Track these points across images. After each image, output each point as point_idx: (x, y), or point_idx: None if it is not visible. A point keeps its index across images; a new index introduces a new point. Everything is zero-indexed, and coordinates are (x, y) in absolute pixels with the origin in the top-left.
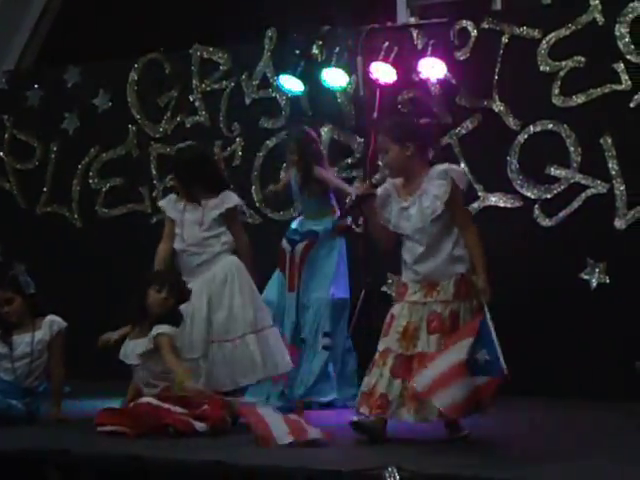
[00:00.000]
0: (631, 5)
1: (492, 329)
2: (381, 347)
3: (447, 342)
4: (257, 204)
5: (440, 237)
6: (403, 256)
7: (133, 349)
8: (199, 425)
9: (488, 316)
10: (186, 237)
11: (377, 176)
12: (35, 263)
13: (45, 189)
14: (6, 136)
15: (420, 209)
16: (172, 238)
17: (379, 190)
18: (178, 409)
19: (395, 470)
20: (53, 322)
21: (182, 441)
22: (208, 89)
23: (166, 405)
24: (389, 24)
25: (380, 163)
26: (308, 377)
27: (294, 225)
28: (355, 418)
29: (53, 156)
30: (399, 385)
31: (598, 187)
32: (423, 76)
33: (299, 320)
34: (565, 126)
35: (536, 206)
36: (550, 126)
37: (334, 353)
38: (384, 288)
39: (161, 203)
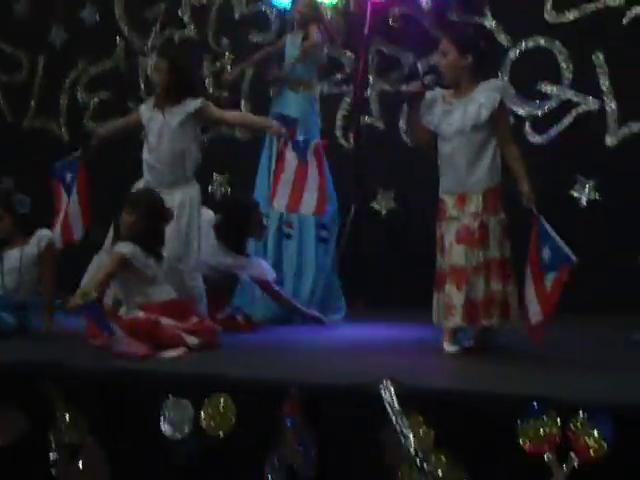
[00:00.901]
0: None
1: (547, 225)
2: (448, 263)
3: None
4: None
5: (477, 147)
6: (440, 167)
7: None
8: (191, 339)
9: (542, 218)
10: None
11: (428, 77)
12: (22, 177)
13: (32, 103)
14: None
15: (464, 113)
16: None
17: (427, 93)
18: (167, 320)
19: (389, 383)
20: (42, 236)
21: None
22: (197, 4)
23: (153, 316)
24: None
25: (432, 63)
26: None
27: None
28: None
29: (40, 69)
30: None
31: (589, 104)
32: None
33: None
34: (557, 42)
35: (527, 123)
36: (542, 42)
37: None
38: (373, 204)
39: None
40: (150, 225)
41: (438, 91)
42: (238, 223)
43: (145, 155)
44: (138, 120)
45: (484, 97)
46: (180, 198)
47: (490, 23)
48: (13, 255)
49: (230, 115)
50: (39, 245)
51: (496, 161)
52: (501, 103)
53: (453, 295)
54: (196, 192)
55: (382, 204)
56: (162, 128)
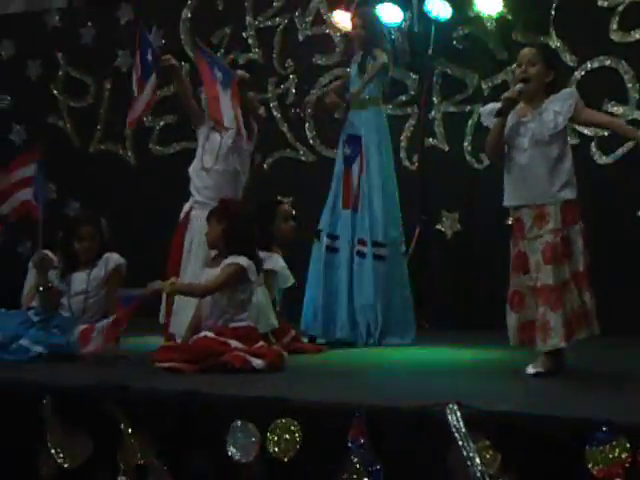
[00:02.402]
0: None
1: None
2: (529, 282)
3: None
4: (311, 141)
5: (555, 156)
6: (509, 179)
7: (206, 277)
8: (257, 362)
9: None
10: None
11: (519, 86)
12: (88, 201)
13: (98, 127)
14: (60, 74)
15: (540, 123)
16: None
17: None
18: (235, 343)
19: (456, 406)
20: (109, 259)
21: (239, 377)
22: (261, 26)
23: (222, 338)
24: None
25: (519, 72)
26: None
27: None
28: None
29: (106, 94)
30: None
31: None
32: (478, 11)
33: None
34: (623, 62)
35: (593, 143)
36: (608, 62)
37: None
38: (439, 226)
39: None
40: (237, 238)
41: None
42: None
43: (197, 174)
44: (200, 116)
45: (558, 106)
46: None
47: (555, 43)
48: (81, 277)
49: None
50: (107, 268)
51: (572, 171)
52: (577, 108)
53: (549, 317)
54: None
55: (447, 226)
56: (219, 148)
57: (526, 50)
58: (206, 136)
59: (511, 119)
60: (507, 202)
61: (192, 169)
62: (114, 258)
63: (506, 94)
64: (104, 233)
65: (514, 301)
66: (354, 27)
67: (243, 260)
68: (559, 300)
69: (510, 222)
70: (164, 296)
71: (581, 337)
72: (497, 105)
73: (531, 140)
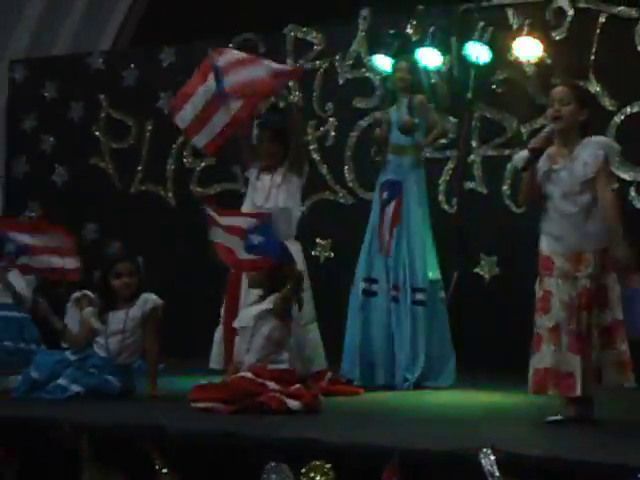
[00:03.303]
0: None
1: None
2: (549, 324)
3: None
4: (350, 184)
5: (586, 206)
6: (544, 226)
7: (249, 313)
8: (293, 403)
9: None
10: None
11: (547, 129)
12: (130, 242)
13: (140, 168)
14: (102, 115)
15: (571, 173)
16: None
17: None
18: (272, 385)
19: (490, 451)
20: (147, 299)
21: (276, 418)
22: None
23: (260, 380)
24: (484, 3)
25: (549, 114)
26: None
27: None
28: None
29: (148, 135)
30: (580, 361)
31: None
32: (518, 56)
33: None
34: None
35: (632, 188)
36: None
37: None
38: (477, 270)
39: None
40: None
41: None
42: None
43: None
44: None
45: (587, 155)
46: None
47: (594, 87)
48: (118, 317)
49: None
50: (144, 307)
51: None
52: (605, 160)
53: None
54: (299, 249)
55: (485, 269)
56: (270, 188)
57: (559, 89)
58: (256, 176)
59: (544, 165)
60: (544, 247)
61: (243, 209)
62: (152, 298)
63: (532, 144)
64: (141, 271)
65: (537, 341)
66: (396, 70)
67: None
68: (587, 347)
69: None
70: (217, 338)
71: (609, 384)
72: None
73: (563, 189)
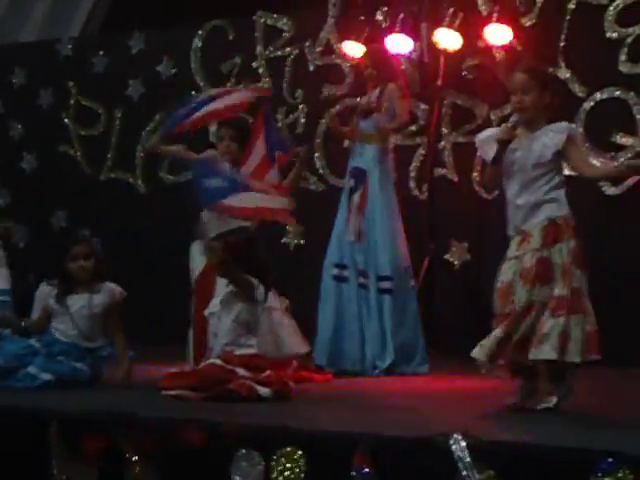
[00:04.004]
0: None
1: None
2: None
3: None
4: (320, 171)
5: (540, 186)
6: (507, 206)
7: (216, 300)
8: (263, 390)
9: None
10: None
11: (514, 118)
12: (99, 229)
13: (109, 155)
14: (71, 102)
15: (527, 152)
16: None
17: (488, 131)
18: (242, 371)
19: (460, 436)
20: (114, 290)
21: (246, 405)
22: (272, 56)
23: (230, 366)
24: None
25: (514, 102)
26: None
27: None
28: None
29: (117, 122)
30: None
31: None
32: (488, 42)
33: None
34: (632, 93)
35: None
36: (617, 93)
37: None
38: (447, 256)
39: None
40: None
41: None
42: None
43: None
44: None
45: (549, 138)
46: None
47: (564, 74)
48: (80, 299)
49: None
50: (112, 297)
51: (560, 199)
52: (568, 140)
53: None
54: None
55: (456, 256)
56: None
57: (518, 77)
58: None
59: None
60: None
61: None
62: (119, 290)
63: (499, 136)
64: (98, 253)
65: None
66: (365, 67)
67: (253, 279)
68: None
69: None
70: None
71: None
72: (492, 132)
73: (515, 167)
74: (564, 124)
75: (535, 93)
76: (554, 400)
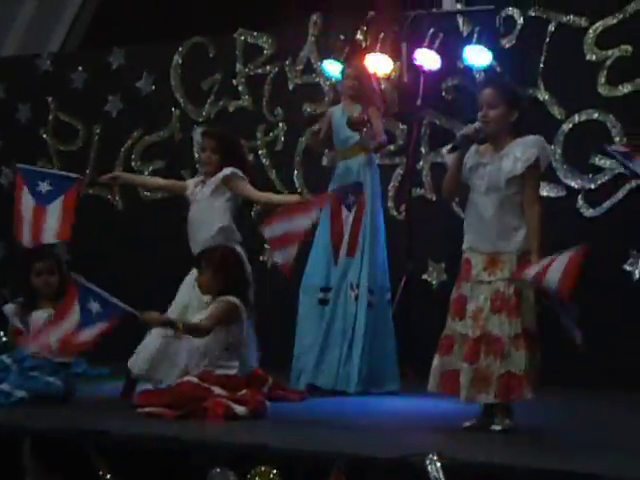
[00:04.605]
0: None
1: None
2: (457, 329)
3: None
4: (299, 189)
5: (511, 203)
6: (467, 221)
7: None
8: (239, 409)
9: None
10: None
11: (477, 124)
12: (77, 245)
13: (88, 171)
14: (50, 118)
15: (498, 168)
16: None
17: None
18: (218, 390)
19: (436, 457)
20: None
21: (221, 424)
22: (252, 74)
23: (205, 384)
24: (434, 10)
25: (479, 116)
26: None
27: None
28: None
29: (96, 138)
30: (470, 369)
31: None
32: (468, 63)
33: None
34: (611, 116)
35: (580, 196)
36: (595, 115)
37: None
38: (425, 276)
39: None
40: (231, 281)
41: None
42: None
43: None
44: (183, 190)
45: (520, 151)
46: None
47: (543, 95)
48: (44, 315)
49: (255, 194)
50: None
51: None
52: (536, 160)
53: (492, 367)
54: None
55: (433, 275)
56: (200, 201)
57: (486, 91)
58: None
59: (472, 159)
60: (464, 243)
61: None
62: None
63: (463, 131)
64: (63, 267)
65: (443, 345)
66: (346, 77)
67: (234, 299)
68: (500, 351)
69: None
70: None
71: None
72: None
73: (488, 185)
74: (533, 138)
75: (501, 109)
76: (508, 422)
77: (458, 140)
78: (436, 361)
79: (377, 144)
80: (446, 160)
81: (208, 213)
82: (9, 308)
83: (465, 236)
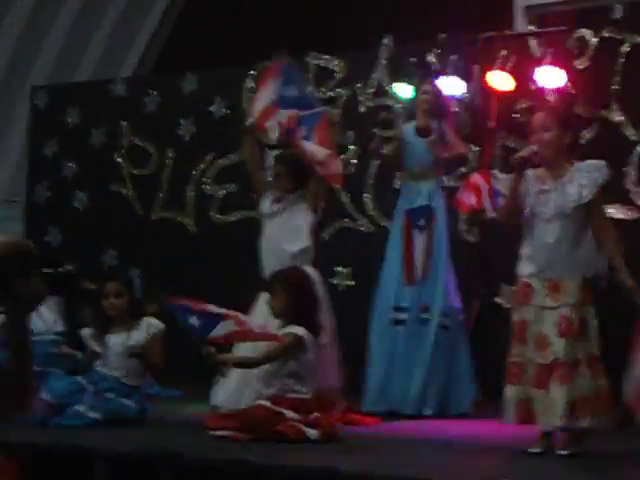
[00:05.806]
0: None
1: None
2: (526, 354)
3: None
4: (370, 212)
5: (575, 229)
6: (527, 247)
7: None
8: (311, 432)
9: None
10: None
11: (534, 147)
12: (150, 268)
13: (160, 194)
14: (124, 142)
15: (563, 194)
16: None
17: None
18: (290, 413)
19: None
20: (150, 324)
21: (294, 447)
22: (323, 97)
23: (278, 409)
24: (507, 32)
25: (533, 140)
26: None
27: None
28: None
29: (169, 162)
30: (542, 395)
31: None
32: (540, 85)
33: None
34: None
35: None
36: None
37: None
38: (498, 299)
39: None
40: (303, 307)
41: (529, 170)
42: None
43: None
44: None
45: (585, 178)
46: None
47: (617, 117)
48: (118, 340)
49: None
50: (148, 331)
51: (590, 248)
52: (602, 185)
53: (555, 393)
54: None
55: (506, 299)
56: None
57: (538, 115)
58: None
59: (533, 186)
60: (523, 270)
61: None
62: (154, 323)
63: (521, 153)
64: (133, 290)
65: (512, 373)
66: (422, 92)
67: (300, 330)
68: (568, 376)
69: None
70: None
71: (587, 425)
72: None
73: (553, 211)
74: (596, 163)
75: (555, 131)
76: (576, 448)
77: (515, 162)
78: (509, 392)
79: (457, 153)
80: (499, 186)
81: (287, 232)
82: (85, 333)
83: (524, 261)
